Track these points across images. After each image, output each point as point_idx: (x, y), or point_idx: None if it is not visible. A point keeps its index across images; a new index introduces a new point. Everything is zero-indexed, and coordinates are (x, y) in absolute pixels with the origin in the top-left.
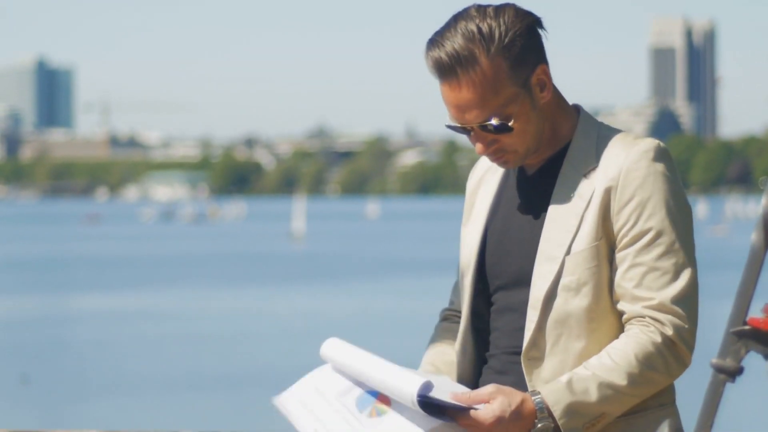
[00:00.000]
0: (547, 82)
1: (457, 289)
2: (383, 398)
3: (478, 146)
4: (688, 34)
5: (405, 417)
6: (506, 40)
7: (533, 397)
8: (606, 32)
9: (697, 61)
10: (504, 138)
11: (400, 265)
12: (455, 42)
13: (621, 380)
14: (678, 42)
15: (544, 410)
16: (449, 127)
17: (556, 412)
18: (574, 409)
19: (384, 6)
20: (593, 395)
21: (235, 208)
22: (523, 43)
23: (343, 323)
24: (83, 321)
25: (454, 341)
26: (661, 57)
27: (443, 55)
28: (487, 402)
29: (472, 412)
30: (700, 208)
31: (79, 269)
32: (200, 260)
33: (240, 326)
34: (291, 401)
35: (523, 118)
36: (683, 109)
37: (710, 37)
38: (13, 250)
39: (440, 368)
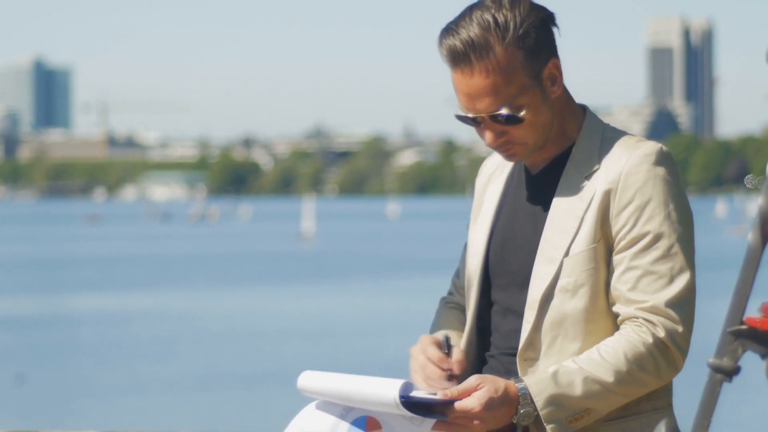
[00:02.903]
0: (558, 77)
1: (457, 281)
2: (372, 424)
3: (488, 137)
4: (686, 33)
5: None
6: (521, 30)
7: (517, 384)
8: (603, 32)
9: (695, 61)
10: (513, 130)
11: (412, 264)
12: (470, 30)
13: (608, 377)
14: (675, 41)
15: (527, 396)
16: (458, 117)
17: (539, 402)
18: (557, 401)
19: (382, 6)
20: (578, 389)
21: (244, 209)
22: (537, 36)
23: (358, 323)
24: (87, 321)
25: (460, 325)
26: (658, 56)
27: (458, 43)
28: (474, 391)
29: (459, 403)
30: (720, 208)
31: (82, 269)
32: (210, 261)
33: (253, 326)
34: None
35: (533, 111)
36: (681, 109)
37: (708, 36)
38: (14, 251)
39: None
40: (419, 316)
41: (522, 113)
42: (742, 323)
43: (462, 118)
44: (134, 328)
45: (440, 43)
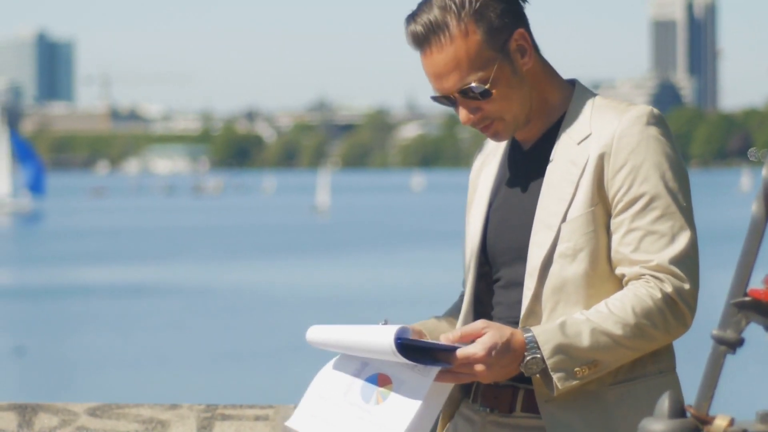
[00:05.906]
0: (527, 48)
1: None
2: (383, 380)
3: (462, 114)
4: (689, 6)
5: (405, 391)
6: (477, 4)
7: (524, 332)
8: (607, 4)
9: (698, 34)
10: (486, 105)
11: (430, 236)
12: (430, 13)
13: (616, 329)
14: (679, 14)
15: (533, 344)
16: (434, 99)
17: (546, 350)
18: (564, 351)
19: None
20: (586, 340)
21: (268, 182)
22: (498, 8)
23: (375, 295)
24: (94, 294)
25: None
26: (662, 29)
27: (419, 27)
28: (479, 336)
29: (462, 349)
30: (744, 181)
31: (91, 241)
32: (225, 233)
33: (269, 298)
34: (303, 418)
35: (503, 84)
36: (684, 82)
37: (711, 9)
38: (20, 223)
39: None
40: (436, 288)
41: (488, 85)
42: (745, 295)
43: (437, 99)
44: (146, 300)
45: (405, 31)
